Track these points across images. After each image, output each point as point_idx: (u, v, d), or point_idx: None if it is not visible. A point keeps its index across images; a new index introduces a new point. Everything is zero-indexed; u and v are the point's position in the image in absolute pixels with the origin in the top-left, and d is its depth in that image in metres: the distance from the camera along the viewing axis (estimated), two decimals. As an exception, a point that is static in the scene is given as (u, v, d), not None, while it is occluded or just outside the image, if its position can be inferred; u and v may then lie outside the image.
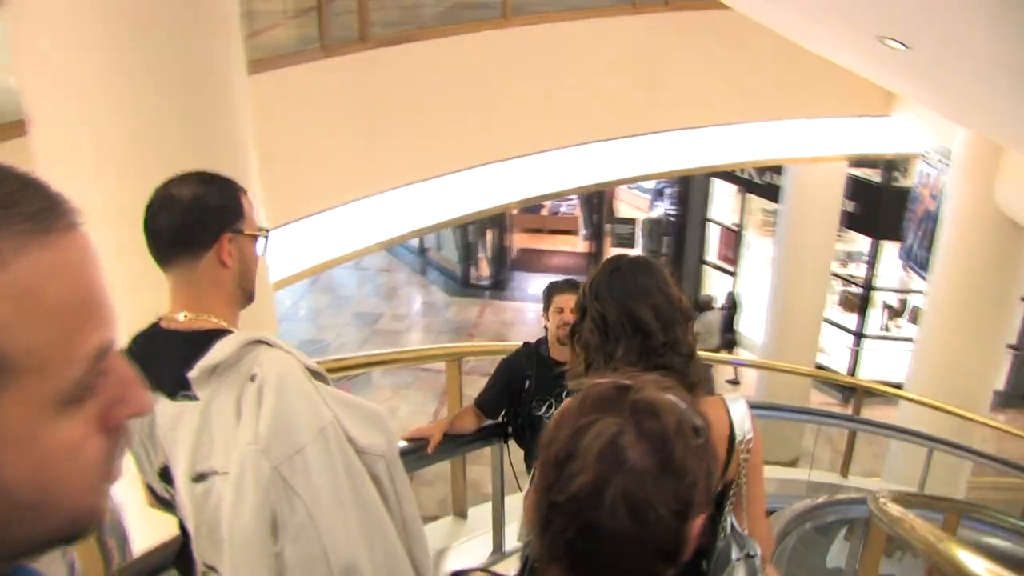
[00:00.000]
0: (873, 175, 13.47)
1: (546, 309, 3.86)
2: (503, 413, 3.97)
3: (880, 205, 13.35)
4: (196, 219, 1.91)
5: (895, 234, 12.31)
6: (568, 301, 3.62)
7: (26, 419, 0.63)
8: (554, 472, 1.25)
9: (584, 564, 1.26)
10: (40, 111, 3.61)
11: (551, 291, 3.88)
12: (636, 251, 18.63)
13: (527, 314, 17.36)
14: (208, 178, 1.99)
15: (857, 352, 14.34)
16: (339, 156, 6.91)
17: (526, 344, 3.99)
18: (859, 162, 12.45)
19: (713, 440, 1.30)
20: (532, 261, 19.65)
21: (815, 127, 10.01)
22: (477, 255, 18.61)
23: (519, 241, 20.08)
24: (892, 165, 13.19)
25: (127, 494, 3.72)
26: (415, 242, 19.10)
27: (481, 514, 4.95)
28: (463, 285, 18.31)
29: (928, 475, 7.38)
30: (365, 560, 1.90)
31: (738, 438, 2.21)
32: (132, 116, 3.57)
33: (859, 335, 14.47)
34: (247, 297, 2.07)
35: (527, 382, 3.81)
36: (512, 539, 4.53)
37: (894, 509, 3.28)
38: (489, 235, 18.47)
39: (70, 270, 0.65)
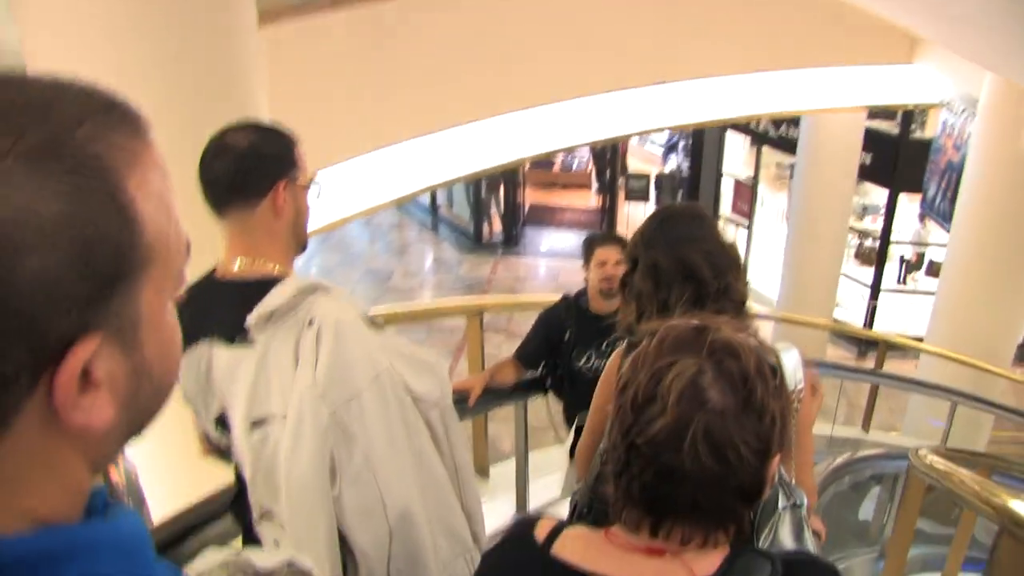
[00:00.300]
0: (890, 127, 13.26)
1: (587, 262, 3.83)
2: (543, 365, 3.98)
3: (897, 157, 13.15)
4: (252, 166, 1.94)
5: (912, 186, 12.14)
6: (609, 254, 3.67)
7: (157, 303, 0.71)
8: (633, 415, 1.26)
9: (662, 506, 1.27)
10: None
11: (592, 244, 3.87)
12: (650, 205, 18.54)
13: (539, 270, 17.28)
14: (263, 127, 2.02)
15: (874, 306, 14.21)
16: (348, 110, 6.78)
17: (565, 297, 3.98)
18: (876, 113, 12.25)
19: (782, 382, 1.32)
20: (544, 216, 19.51)
21: (834, 76, 9.80)
22: (489, 211, 18.47)
23: (531, 197, 19.93)
24: (909, 116, 12.98)
25: (141, 458, 3.72)
26: (426, 199, 18.97)
27: (502, 473, 4.88)
28: (475, 242, 18.18)
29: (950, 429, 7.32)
30: (419, 506, 1.96)
31: (789, 388, 2.15)
32: (138, 76, 3.45)
33: (876, 289, 14.32)
34: (300, 245, 2.09)
35: (567, 334, 3.81)
36: (536, 497, 4.47)
37: (941, 464, 3.23)
38: (501, 191, 18.32)
39: (163, 166, 0.72)
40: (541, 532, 1.41)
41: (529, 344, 3.98)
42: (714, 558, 1.29)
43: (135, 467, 3.92)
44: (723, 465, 1.21)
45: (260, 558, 1.49)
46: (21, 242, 0.59)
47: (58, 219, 0.60)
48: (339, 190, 6.77)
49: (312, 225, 2.14)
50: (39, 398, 0.63)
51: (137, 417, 0.74)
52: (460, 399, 3.61)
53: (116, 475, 4.06)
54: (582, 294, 3.90)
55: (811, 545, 2.20)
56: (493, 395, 3.92)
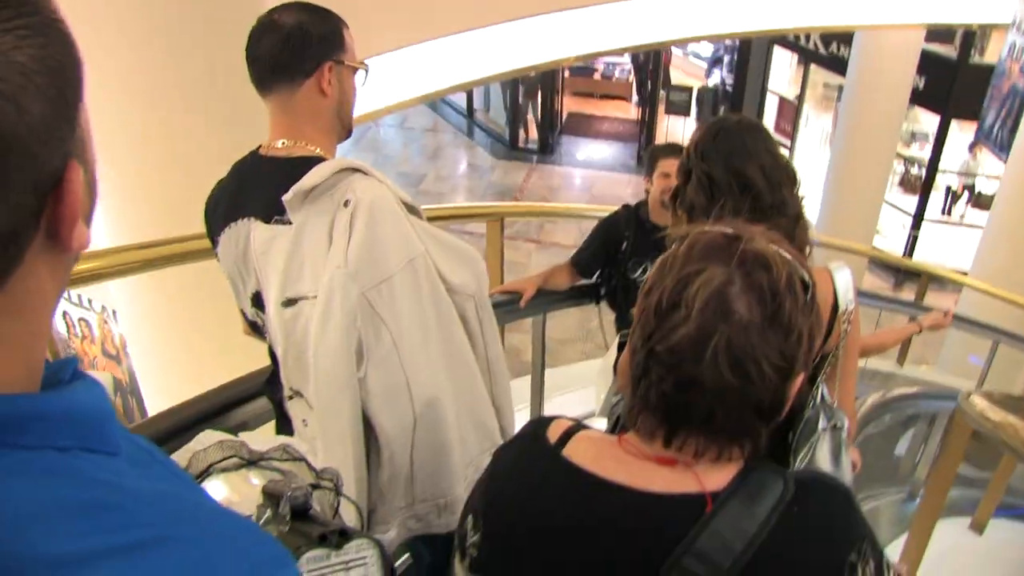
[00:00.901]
0: (947, 50, 12.75)
1: (649, 172, 3.80)
2: (598, 274, 3.99)
3: (953, 81, 12.66)
4: (298, 45, 1.93)
5: (966, 113, 11.73)
6: (673, 165, 3.61)
7: (87, 115, 0.70)
8: (656, 320, 1.22)
9: (679, 416, 1.24)
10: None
11: (656, 154, 3.84)
12: (691, 120, 18.19)
13: (574, 180, 17.06)
14: (311, 7, 1.99)
15: (915, 236, 13.86)
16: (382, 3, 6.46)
17: (625, 206, 3.96)
18: (933, 35, 11.75)
19: (818, 302, 1.27)
20: (582, 126, 19.22)
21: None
22: (525, 118, 18.17)
23: (569, 105, 19.60)
24: (969, 39, 12.46)
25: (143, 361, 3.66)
26: (462, 103, 18.71)
27: (518, 386, 4.70)
28: (510, 148, 17.94)
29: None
30: (447, 395, 1.97)
31: (841, 308, 2.21)
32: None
33: (918, 218, 13.96)
34: (345, 130, 2.10)
35: (624, 244, 3.80)
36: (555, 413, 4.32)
37: (994, 413, 3.06)
38: (538, 98, 17.99)
39: None
40: (554, 432, 1.37)
41: (586, 251, 3.96)
42: (726, 473, 1.26)
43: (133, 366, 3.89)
44: (743, 380, 1.18)
45: (255, 440, 1.57)
46: (18, 91, 0.60)
47: (37, 63, 0.62)
48: (371, 84, 6.52)
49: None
50: (38, 239, 0.66)
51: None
52: (512, 299, 3.72)
53: (120, 372, 4.04)
54: (642, 205, 3.86)
55: (847, 470, 2.23)
56: (545, 298, 3.91)
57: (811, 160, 15.02)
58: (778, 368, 1.19)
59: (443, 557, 1.49)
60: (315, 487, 1.59)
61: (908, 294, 9.32)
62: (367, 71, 2.09)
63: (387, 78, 6.90)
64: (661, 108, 18.84)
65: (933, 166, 13.77)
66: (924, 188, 13.97)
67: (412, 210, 1.99)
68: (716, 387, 1.18)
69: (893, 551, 3.85)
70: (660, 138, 17.59)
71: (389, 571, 1.55)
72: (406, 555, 1.96)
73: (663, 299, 1.22)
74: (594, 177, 16.74)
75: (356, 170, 1.92)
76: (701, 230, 1.29)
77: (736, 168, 2.15)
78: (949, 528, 4.21)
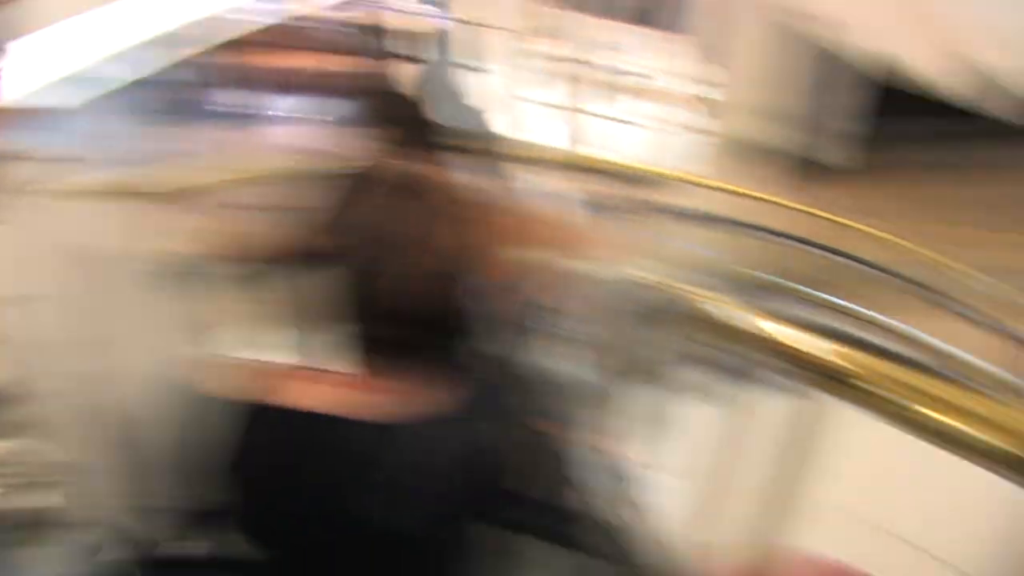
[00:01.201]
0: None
1: (369, 123, 3.61)
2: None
3: None
4: None
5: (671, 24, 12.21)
6: (389, 112, 3.60)
7: None
8: (351, 261, 1.28)
9: (382, 346, 1.31)
10: None
11: (372, 104, 3.78)
12: (397, 63, 18.19)
13: (277, 139, 16.68)
14: None
15: (609, 139, 14.42)
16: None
17: (356, 160, 3.83)
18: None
19: (491, 214, 1.40)
20: (280, 81, 18.73)
21: None
22: (218, 79, 17.56)
23: (264, 60, 19.06)
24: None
25: None
26: (153, 71, 17.79)
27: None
28: (207, 116, 17.26)
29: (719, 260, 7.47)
30: (162, 373, 2.01)
31: (527, 215, 2.39)
32: None
33: (622, 124, 14.52)
34: None
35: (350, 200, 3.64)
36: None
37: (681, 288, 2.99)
38: (228, 56, 17.41)
39: None
40: (267, 380, 1.40)
41: (314, 212, 3.82)
42: (434, 392, 1.32)
43: None
44: (436, 303, 1.26)
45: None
46: None
47: None
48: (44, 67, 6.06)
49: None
50: None
51: None
52: (239, 267, 3.41)
53: None
54: (367, 158, 3.76)
55: (571, 370, 2.44)
56: (269, 262, 3.64)
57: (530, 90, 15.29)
58: (461, 285, 1.28)
59: (208, 529, 1.49)
60: (38, 483, 1.73)
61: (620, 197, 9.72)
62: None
63: (54, 60, 6.43)
64: (373, 57, 18.76)
65: (582, 61, 14.29)
66: (616, 94, 14.54)
67: (97, 195, 2.12)
68: (411, 314, 1.26)
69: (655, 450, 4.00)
70: (379, 87, 17.53)
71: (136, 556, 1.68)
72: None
73: (352, 239, 1.30)
74: (297, 133, 16.50)
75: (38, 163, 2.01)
76: (380, 167, 1.44)
77: (429, 107, 2.38)
78: (697, 411, 4.44)
